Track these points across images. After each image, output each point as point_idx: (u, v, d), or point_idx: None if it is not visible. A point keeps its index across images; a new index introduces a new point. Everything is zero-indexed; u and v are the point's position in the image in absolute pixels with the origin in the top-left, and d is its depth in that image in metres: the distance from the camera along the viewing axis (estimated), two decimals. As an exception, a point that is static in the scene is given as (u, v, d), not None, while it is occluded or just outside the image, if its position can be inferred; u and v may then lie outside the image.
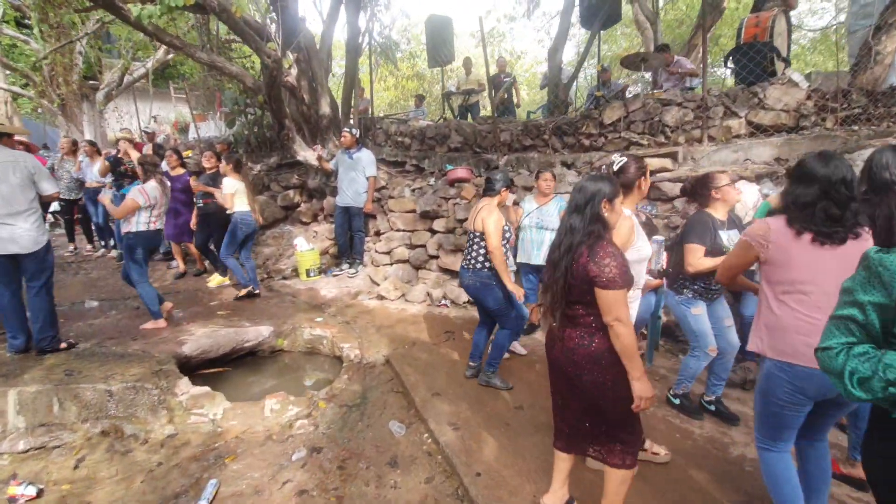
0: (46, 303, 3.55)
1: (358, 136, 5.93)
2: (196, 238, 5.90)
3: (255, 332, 4.46)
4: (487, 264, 3.23)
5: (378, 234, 6.30)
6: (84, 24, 11.57)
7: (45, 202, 3.76)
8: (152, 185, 4.26)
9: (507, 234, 3.29)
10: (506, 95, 7.95)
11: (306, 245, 6.33)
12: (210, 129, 9.69)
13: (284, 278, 6.47)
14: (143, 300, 4.30)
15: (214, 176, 5.73)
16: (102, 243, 7.45)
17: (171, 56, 13.64)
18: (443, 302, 5.26)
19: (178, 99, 16.77)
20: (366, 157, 5.90)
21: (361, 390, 3.56)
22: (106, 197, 4.31)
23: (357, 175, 5.87)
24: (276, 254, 7.10)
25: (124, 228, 4.21)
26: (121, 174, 5.84)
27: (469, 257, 3.32)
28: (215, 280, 5.92)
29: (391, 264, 6.13)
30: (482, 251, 3.24)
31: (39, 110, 13.39)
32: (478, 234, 3.26)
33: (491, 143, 6.02)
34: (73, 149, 7.16)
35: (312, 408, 3.28)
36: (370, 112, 7.47)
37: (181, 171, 6.11)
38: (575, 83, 7.73)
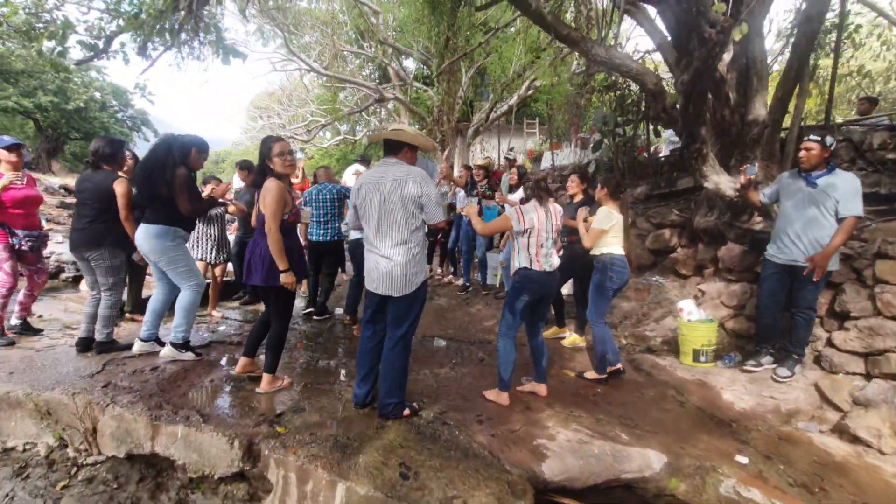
0: (402, 359, 2.76)
1: (831, 149, 3.50)
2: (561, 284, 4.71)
3: (640, 460, 2.73)
4: None
5: (845, 317, 3.64)
6: (468, 70, 13.03)
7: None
8: (531, 206, 3.17)
9: None
10: None
11: (697, 312, 4.26)
12: (567, 156, 8.88)
13: (650, 351, 4.58)
14: (499, 359, 3.20)
15: (583, 204, 4.41)
16: (451, 269, 7.34)
17: (529, 93, 14.15)
18: None
19: (530, 134, 17.62)
20: (844, 184, 3.41)
21: None
22: (473, 208, 3.44)
23: (821, 213, 3.45)
24: (639, 312, 5.30)
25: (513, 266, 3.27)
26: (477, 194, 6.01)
27: None
28: (572, 339, 4.58)
29: (868, 377, 3.40)
30: None
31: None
32: None
33: None
34: (451, 174, 7.39)
35: None
36: (827, 116, 4.79)
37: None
38: None
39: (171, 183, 3.23)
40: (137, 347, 3.59)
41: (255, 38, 14.99)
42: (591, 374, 3.81)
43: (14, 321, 3.85)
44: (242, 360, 3.24)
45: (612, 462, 2.66)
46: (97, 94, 21.37)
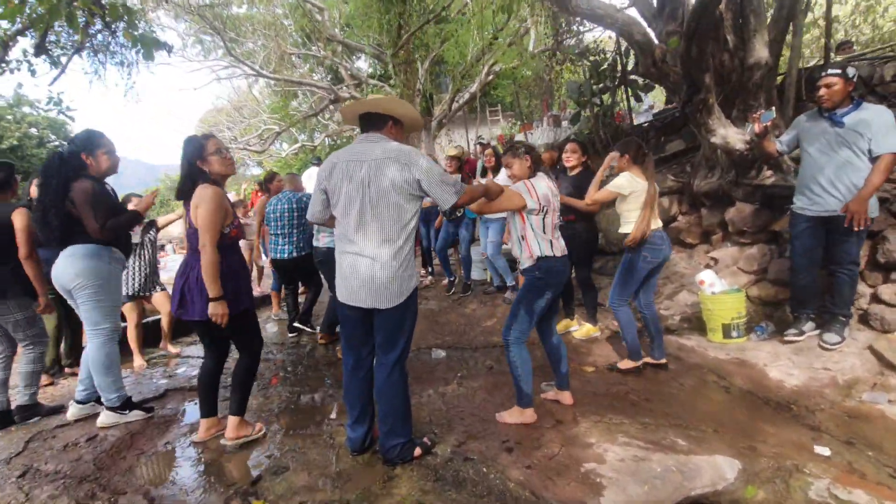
0: (402, 388, 2.18)
1: (854, 82, 3.09)
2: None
3: (711, 472, 2.23)
4: None
5: (891, 267, 3.26)
6: (423, 61, 12.47)
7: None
8: (540, 177, 2.65)
9: None
10: None
11: (720, 282, 3.82)
12: (540, 136, 8.42)
13: (670, 331, 4.13)
14: (514, 372, 2.65)
15: (582, 179, 3.93)
16: (430, 269, 6.73)
17: (490, 78, 13.70)
18: None
19: (494, 121, 17.19)
20: (876, 118, 3.01)
21: None
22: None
23: (854, 154, 3.05)
24: (648, 291, 4.85)
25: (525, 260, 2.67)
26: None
27: None
28: (585, 330, 4.09)
29: (928, 332, 3.01)
30: None
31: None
32: None
33: None
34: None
35: None
36: (826, 55, 4.42)
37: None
38: None
39: (74, 202, 2.57)
40: (73, 412, 2.89)
41: (194, 48, 14.01)
42: (625, 364, 3.33)
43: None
44: (203, 424, 2.57)
45: (682, 480, 2.15)
46: (33, 130, 19.82)
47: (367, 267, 2.12)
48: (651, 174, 3.26)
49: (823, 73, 3.17)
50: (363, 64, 17.24)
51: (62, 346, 3.90)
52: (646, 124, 6.21)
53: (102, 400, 2.78)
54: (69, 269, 2.61)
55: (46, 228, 2.57)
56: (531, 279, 2.68)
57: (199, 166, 2.36)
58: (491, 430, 2.61)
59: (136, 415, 2.82)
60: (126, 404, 2.79)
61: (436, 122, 12.63)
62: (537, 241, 2.60)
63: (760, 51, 3.73)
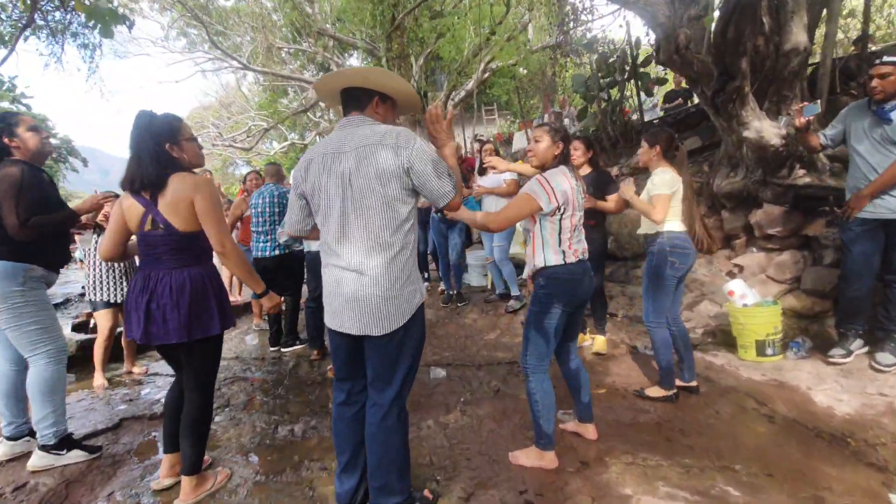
0: (400, 435, 1.75)
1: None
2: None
3: (779, 532, 1.82)
4: None
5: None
6: (418, 57, 12.05)
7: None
8: (558, 172, 2.20)
9: None
10: None
11: (751, 293, 3.42)
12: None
13: (694, 347, 3.72)
14: (533, 407, 2.22)
15: (597, 178, 3.52)
16: (426, 275, 6.24)
17: (486, 76, 13.33)
18: None
19: (490, 120, 16.79)
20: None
21: None
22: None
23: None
24: (665, 300, 4.45)
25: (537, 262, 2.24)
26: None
27: None
28: (599, 343, 3.68)
29: None
30: None
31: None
32: None
33: None
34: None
35: None
36: (864, 42, 4.04)
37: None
38: None
39: None
40: (2, 451, 2.41)
41: (178, 41, 13.46)
42: (654, 391, 2.91)
43: None
44: (166, 461, 2.11)
45: (746, 549, 1.74)
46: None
47: (353, 283, 1.68)
48: (685, 168, 2.86)
49: (877, 62, 2.79)
50: (355, 61, 16.78)
51: None
52: (656, 120, 5.82)
53: (37, 436, 2.31)
54: None
55: None
56: (535, 291, 2.26)
57: (170, 152, 1.92)
58: (504, 474, 2.18)
59: (76, 456, 2.34)
60: (64, 442, 2.32)
61: (431, 120, 12.20)
62: (543, 248, 2.17)
63: (799, 35, 3.34)
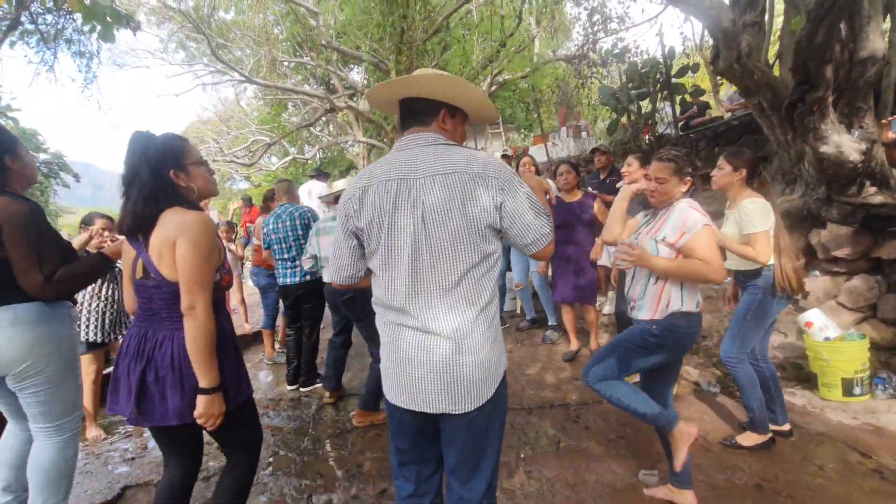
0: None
1: None
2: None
3: None
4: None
5: None
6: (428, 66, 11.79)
7: None
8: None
9: None
10: None
11: (832, 326, 3.07)
12: (560, 149, 7.70)
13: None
14: (626, 406, 1.87)
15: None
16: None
17: (493, 88, 13.12)
18: None
19: (495, 135, 16.57)
20: None
21: None
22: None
23: None
24: (719, 329, 4.09)
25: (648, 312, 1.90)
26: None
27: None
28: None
29: None
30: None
31: (386, 159, 14.96)
32: None
33: None
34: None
35: None
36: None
37: (578, 193, 3.94)
38: None
39: (2, 233, 1.69)
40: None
41: (177, 53, 13.19)
42: (747, 439, 2.54)
43: None
44: None
45: None
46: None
47: (434, 348, 1.30)
48: (771, 194, 2.52)
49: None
50: (357, 76, 16.57)
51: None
52: (692, 135, 5.52)
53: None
54: (12, 345, 1.68)
55: None
56: (642, 333, 1.92)
57: (174, 180, 1.54)
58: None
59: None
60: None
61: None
62: (680, 289, 1.82)
63: (876, 42, 3.04)
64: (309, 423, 3.26)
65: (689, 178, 1.91)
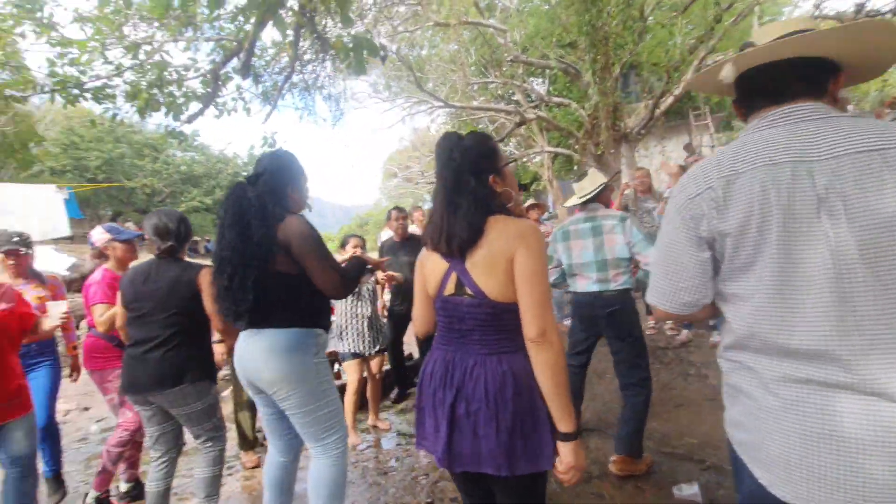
0: None
1: None
2: None
3: None
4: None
5: None
6: (617, 64, 10.91)
7: None
8: None
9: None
10: None
11: None
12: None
13: None
14: None
15: None
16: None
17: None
18: None
19: (699, 127, 14.47)
20: None
21: None
22: None
23: None
24: None
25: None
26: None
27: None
28: None
29: None
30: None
31: (575, 167, 14.30)
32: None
33: None
34: (650, 183, 5.34)
35: None
36: None
37: None
38: None
39: (290, 250, 1.78)
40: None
41: (384, 92, 15.11)
42: None
43: (123, 485, 2.79)
44: None
45: None
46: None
47: (885, 419, 0.82)
48: None
49: None
50: (540, 87, 16.45)
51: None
52: None
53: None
54: (263, 370, 1.80)
55: (235, 297, 1.76)
56: None
57: (493, 187, 1.37)
58: None
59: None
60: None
61: (635, 131, 10.88)
62: None
63: None
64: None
65: None
